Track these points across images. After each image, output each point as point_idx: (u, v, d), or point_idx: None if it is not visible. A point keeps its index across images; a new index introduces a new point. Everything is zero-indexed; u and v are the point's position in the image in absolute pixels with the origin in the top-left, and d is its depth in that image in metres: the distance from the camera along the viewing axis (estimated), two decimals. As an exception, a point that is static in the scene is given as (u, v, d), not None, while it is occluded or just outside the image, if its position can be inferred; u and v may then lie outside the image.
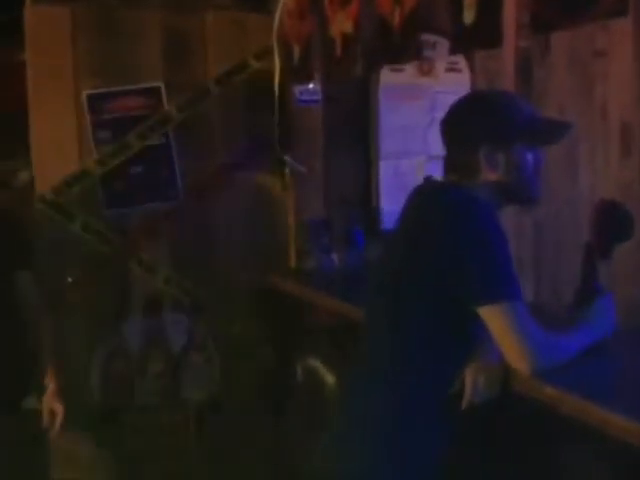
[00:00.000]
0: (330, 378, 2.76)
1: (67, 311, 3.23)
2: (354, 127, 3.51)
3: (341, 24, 2.81)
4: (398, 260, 1.90)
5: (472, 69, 3.57)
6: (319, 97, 3.42)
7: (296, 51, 3.21)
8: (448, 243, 1.79)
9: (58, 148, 3.37)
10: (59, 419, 2.45)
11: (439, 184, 2.06)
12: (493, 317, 1.74)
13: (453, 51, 3.10)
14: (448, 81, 3.55)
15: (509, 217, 3.74)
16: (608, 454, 1.63)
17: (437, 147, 3.60)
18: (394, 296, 1.87)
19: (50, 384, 2.51)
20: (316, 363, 2.78)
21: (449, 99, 3.58)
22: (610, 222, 3.13)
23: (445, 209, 1.88)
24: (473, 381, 1.89)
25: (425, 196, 2.00)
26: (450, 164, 2.10)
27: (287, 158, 3.42)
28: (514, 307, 1.75)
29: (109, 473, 3.22)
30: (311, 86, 3.39)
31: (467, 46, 2.48)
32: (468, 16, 2.13)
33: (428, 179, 2.11)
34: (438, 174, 3.81)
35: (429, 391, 1.84)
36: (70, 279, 3.33)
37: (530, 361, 1.74)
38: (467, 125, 2.08)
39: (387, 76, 3.48)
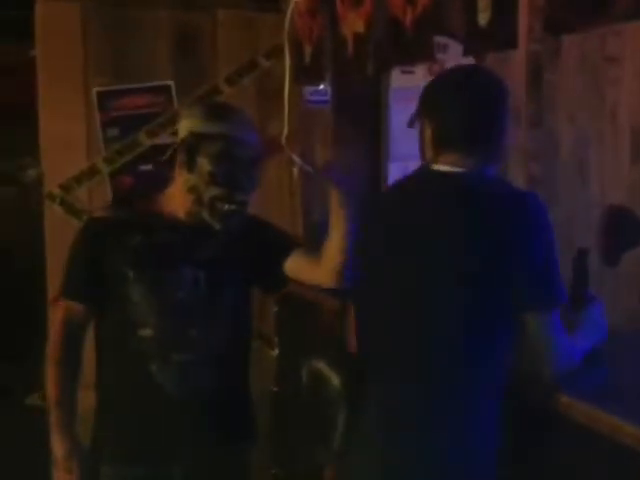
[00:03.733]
0: (335, 380, 2.75)
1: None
2: (364, 128, 3.50)
3: (353, 24, 2.80)
4: (445, 267, 1.74)
5: (483, 72, 3.56)
6: (329, 97, 3.41)
7: (307, 51, 3.20)
8: (522, 248, 1.69)
9: (67, 145, 3.37)
10: None
11: (468, 178, 1.82)
12: (541, 323, 1.70)
13: (467, 52, 3.08)
14: (459, 83, 3.54)
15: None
16: (620, 461, 1.62)
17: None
18: (444, 307, 1.73)
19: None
20: (322, 365, 2.77)
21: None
22: (619, 228, 3.12)
23: (516, 214, 1.72)
24: None
25: (465, 193, 1.78)
26: (466, 139, 1.87)
27: (295, 158, 3.41)
28: (558, 314, 1.73)
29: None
30: (321, 86, 3.38)
31: (482, 47, 2.46)
32: (483, 17, 2.11)
33: (430, 168, 1.90)
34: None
35: (495, 407, 1.77)
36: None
37: (555, 366, 1.73)
38: (499, 104, 1.95)
39: (397, 78, 3.47)
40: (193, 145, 2.08)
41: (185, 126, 2.13)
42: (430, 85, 2.00)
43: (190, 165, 2.09)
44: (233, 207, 2.10)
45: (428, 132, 1.94)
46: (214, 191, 2.08)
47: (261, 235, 2.26)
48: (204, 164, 2.08)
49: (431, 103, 1.95)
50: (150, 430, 2.13)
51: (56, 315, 2.17)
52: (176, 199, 2.15)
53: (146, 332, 2.09)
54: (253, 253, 2.22)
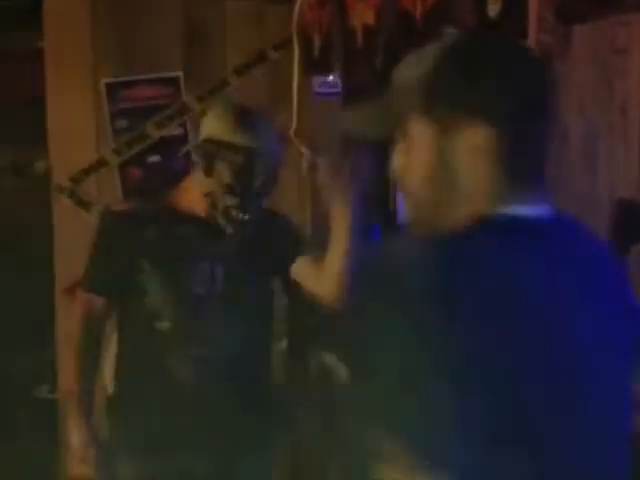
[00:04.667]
0: (344, 373, 2.75)
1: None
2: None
3: (362, 15, 2.78)
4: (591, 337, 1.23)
5: (492, 64, 3.55)
6: (338, 89, 3.40)
7: (316, 42, 3.19)
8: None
9: (76, 137, 3.37)
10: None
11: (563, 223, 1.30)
12: None
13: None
14: (468, 76, 3.52)
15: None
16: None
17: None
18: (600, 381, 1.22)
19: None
20: (331, 358, 2.77)
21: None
22: (627, 222, 3.13)
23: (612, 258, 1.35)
24: None
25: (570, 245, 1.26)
26: (533, 172, 1.20)
27: (304, 150, 3.40)
28: None
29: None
30: (330, 78, 3.37)
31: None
32: (493, 9, 2.10)
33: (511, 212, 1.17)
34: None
35: None
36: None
37: None
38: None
39: (407, 70, 3.45)
40: (214, 152, 2.07)
41: (209, 127, 2.11)
42: (475, 56, 1.15)
43: (208, 171, 2.08)
44: (247, 216, 2.10)
45: (478, 141, 1.12)
46: (230, 201, 2.08)
47: (275, 232, 2.25)
48: (223, 174, 2.07)
49: (489, 92, 1.12)
50: (166, 422, 2.13)
51: (77, 308, 2.20)
52: (192, 195, 2.15)
53: (163, 325, 2.10)
54: (270, 249, 2.22)
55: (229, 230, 2.12)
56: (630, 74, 3.55)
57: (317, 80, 3.38)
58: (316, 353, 2.72)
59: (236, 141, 2.06)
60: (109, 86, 3.38)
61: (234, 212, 2.09)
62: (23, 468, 3.45)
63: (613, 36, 3.55)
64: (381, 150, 3.58)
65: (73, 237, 3.33)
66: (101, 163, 3.39)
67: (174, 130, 3.43)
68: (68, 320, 3.25)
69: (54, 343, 3.38)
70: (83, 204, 3.37)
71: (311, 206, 3.43)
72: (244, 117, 2.13)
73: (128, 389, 2.20)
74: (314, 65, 3.26)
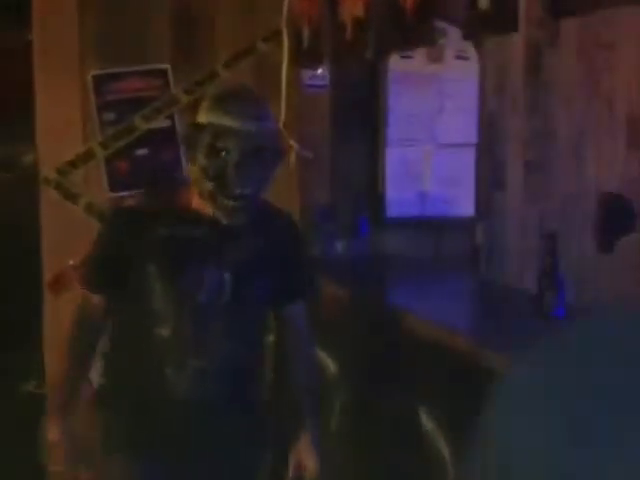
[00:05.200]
0: (332, 366, 2.75)
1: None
2: (361, 113, 3.49)
3: (352, 8, 2.78)
4: None
5: (481, 57, 3.56)
6: (327, 82, 3.40)
7: (305, 35, 3.19)
8: None
9: (63, 129, 3.35)
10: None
11: None
12: None
13: (467, 37, 3.07)
14: (457, 69, 3.53)
15: (515, 207, 3.75)
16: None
17: (444, 136, 3.61)
18: None
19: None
20: (318, 351, 2.77)
21: (457, 87, 3.59)
22: (614, 216, 3.13)
23: None
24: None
25: None
26: None
27: (293, 143, 3.40)
28: None
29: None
30: (319, 71, 3.37)
31: (482, 32, 2.46)
32: (484, 2, 2.11)
33: None
34: (446, 164, 3.79)
35: None
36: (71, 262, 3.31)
37: None
38: None
39: (396, 63, 3.46)
40: (191, 136, 2.02)
41: (202, 112, 2.04)
42: None
43: (191, 157, 2.03)
44: (231, 202, 1.98)
45: None
46: (209, 185, 1.98)
47: (285, 253, 2.15)
48: (199, 157, 1.99)
49: None
50: (159, 429, 2.07)
51: (75, 303, 2.14)
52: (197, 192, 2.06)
53: (163, 331, 2.01)
54: (277, 263, 2.13)
55: (223, 220, 2.01)
56: (617, 69, 3.56)
57: (306, 73, 3.38)
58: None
59: (204, 120, 1.99)
60: (97, 78, 3.36)
61: (219, 198, 1.99)
62: (8, 463, 3.44)
63: (600, 31, 3.56)
64: (368, 142, 3.56)
65: (61, 230, 3.32)
66: (88, 155, 3.37)
67: (162, 123, 3.42)
68: (55, 314, 3.26)
69: (42, 338, 3.37)
70: (70, 196, 3.36)
71: (299, 200, 3.43)
72: (221, 97, 2.05)
73: (119, 393, 2.13)
74: (303, 58, 3.26)
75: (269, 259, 2.10)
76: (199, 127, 1.99)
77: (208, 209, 2.01)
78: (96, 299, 2.08)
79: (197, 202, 2.04)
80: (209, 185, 1.98)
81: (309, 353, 2.25)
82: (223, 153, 1.96)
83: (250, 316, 2.08)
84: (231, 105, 1.99)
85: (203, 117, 2.00)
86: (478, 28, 2.35)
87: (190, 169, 2.06)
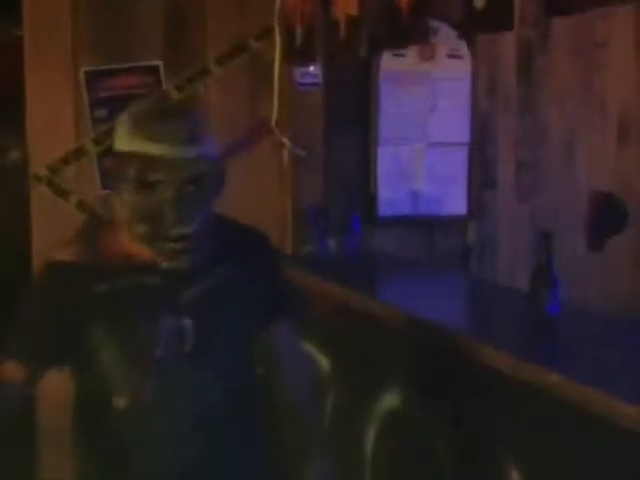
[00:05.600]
0: (324, 363, 2.75)
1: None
2: (354, 112, 3.49)
3: (345, 5, 2.79)
4: None
5: (474, 56, 3.56)
6: (320, 80, 3.39)
7: (298, 32, 3.19)
8: None
9: (54, 126, 3.33)
10: None
11: None
12: None
13: (462, 35, 3.07)
14: (449, 67, 3.53)
15: (507, 206, 3.76)
16: (612, 441, 1.63)
17: (437, 135, 3.61)
18: None
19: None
20: (310, 348, 2.77)
21: (449, 86, 3.59)
22: (605, 214, 3.15)
23: None
24: None
25: None
26: None
27: (286, 141, 3.39)
28: None
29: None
30: (312, 69, 3.37)
31: (477, 30, 2.46)
32: (479, 1, 2.11)
33: None
34: (438, 163, 3.79)
35: None
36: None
37: None
38: None
39: (388, 61, 3.46)
40: (112, 169, 1.70)
41: (117, 138, 1.73)
42: None
43: (116, 194, 1.70)
44: (171, 245, 1.67)
45: None
46: (141, 228, 1.67)
47: (257, 275, 1.82)
48: (125, 194, 1.67)
49: None
50: None
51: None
52: (131, 235, 1.73)
53: (119, 401, 1.69)
54: (246, 292, 1.81)
55: (164, 265, 1.70)
56: (609, 68, 3.56)
57: (299, 71, 3.38)
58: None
59: (128, 148, 1.67)
60: (88, 75, 3.34)
61: (155, 242, 1.67)
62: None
63: (593, 30, 3.57)
64: (360, 140, 3.56)
65: (51, 227, 3.31)
66: (80, 152, 3.36)
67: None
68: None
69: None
70: (62, 193, 3.34)
71: (292, 198, 3.43)
72: (146, 117, 1.71)
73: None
74: (296, 55, 3.26)
75: (236, 289, 1.78)
76: (120, 157, 1.67)
77: (146, 253, 1.71)
78: (22, 370, 1.72)
79: (131, 245, 1.72)
80: (141, 227, 1.67)
81: (307, 381, 1.95)
82: (156, 187, 1.64)
83: (225, 359, 1.75)
84: (158, 127, 1.65)
85: (124, 144, 1.68)
86: (473, 26, 2.35)
87: (115, 208, 1.71)
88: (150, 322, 1.69)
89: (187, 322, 1.70)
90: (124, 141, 1.68)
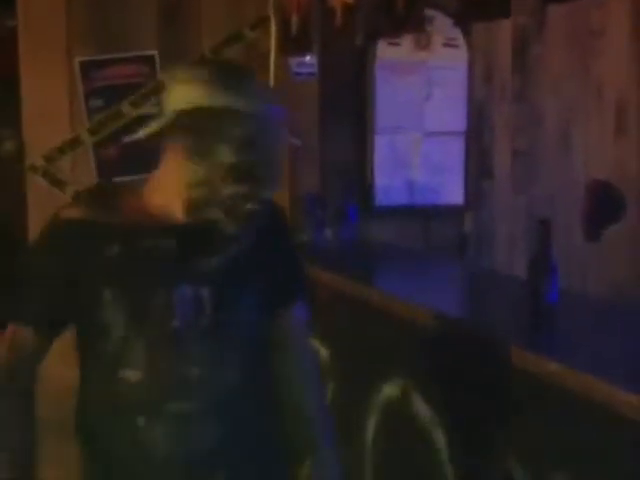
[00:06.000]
0: (323, 352, 2.75)
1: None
2: (350, 101, 3.48)
3: (341, -6, 2.78)
4: None
5: (469, 44, 3.56)
6: (315, 69, 3.38)
7: (294, 22, 3.18)
8: None
9: (49, 116, 3.32)
10: None
11: None
12: None
13: (458, 23, 3.07)
14: (445, 56, 3.53)
15: (503, 196, 3.76)
16: (614, 429, 1.63)
17: (433, 124, 3.61)
18: None
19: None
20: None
21: (446, 74, 3.59)
22: (602, 203, 3.14)
23: None
24: None
25: None
26: None
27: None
28: None
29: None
30: (307, 58, 3.36)
31: (474, 18, 2.46)
32: (476, -13, 2.11)
33: None
34: (434, 152, 3.78)
35: None
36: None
37: None
38: None
39: (384, 50, 3.46)
40: (203, 125, 1.56)
41: (184, 94, 1.58)
42: None
43: (198, 151, 1.57)
44: (256, 206, 1.59)
45: None
46: (234, 188, 1.56)
47: (273, 249, 1.73)
48: (221, 153, 1.55)
49: None
50: None
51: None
52: (168, 190, 1.62)
53: (130, 374, 1.58)
54: (267, 264, 1.70)
55: (231, 229, 1.60)
56: (606, 56, 3.55)
57: (295, 60, 3.37)
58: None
59: (234, 106, 1.56)
60: (84, 64, 3.33)
61: (240, 202, 1.57)
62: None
63: (589, 18, 3.56)
64: (356, 130, 3.54)
65: (48, 217, 3.30)
66: (76, 142, 3.35)
67: (150, 109, 3.39)
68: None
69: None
70: (58, 183, 3.33)
71: (288, 187, 3.42)
72: (232, 75, 1.62)
73: (91, 450, 1.69)
74: (292, 45, 3.25)
75: (255, 261, 1.67)
76: (220, 113, 1.55)
77: (191, 212, 1.60)
78: (29, 333, 1.62)
79: (160, 204, 1.63)
80: (235, 188, 1.57)
81: (317, 373, 1.86)
82: (258, 147, 1.57)
83: (241, 336, 1.64)
84: (258, 88, 1.62)
85: (222, 100, 1.56)
86: (469, 15, 2.35)
87: (186, 166, 1.58)
88: (165, 291, 1.59)
89: (204, 292, 1.60)
90: (212, 96, 1.56)
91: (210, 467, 1.62)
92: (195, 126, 1.57)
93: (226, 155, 1.56)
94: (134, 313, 1.58)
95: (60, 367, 1.80)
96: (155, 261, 1.60)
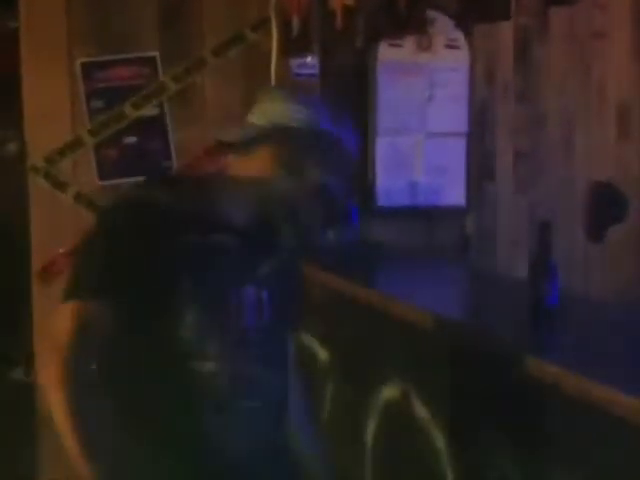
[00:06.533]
0: (323, 354, 2.75)
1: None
2: (351, 102, 3.48)
3: (342, -5, 2.78)
4: None
5: (471, 46, 3.55)
6: (316, 71, 3.38)
7: (295, 22, 3.18)
8: None
9: (51, 118, 3.33)
10: None
11: None
12: None
13: (459, 25, 3.06)
14: (447, 58, 3.52)
15: (506, 197, 3.75)
16: (614, 431, 1.62)
17: (435, 125, 3.60)
18: None
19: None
20: (309, 339, 2.77)
21: (447, 76, 3.58)
22: (604, 204, 3.14)
23: None
24: None
25: None
26: None
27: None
28: None
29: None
30: (309, 59, 3.36)
31: (475, 20, 2.45)
32: (477, -11, 2.11)
33: None
34: (436, 153, 3.79)
35: None
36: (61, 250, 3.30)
37: None
38: None
39: (385, 51, 3.45)
40: (299, 142, 1.63)
41: (281, 113, 1.65)
42: None
43: (287, 165, 1.62)
44: (321, 227, 1.72)
45: None
46: (314, 206, 1.65)
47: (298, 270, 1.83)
48: (311, 171, 1.63)
49: None
50: None
51: (60, 324, 1.55)
52: (234, 191, 1.65)
53: (204, 366, 1.58)
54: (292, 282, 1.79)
55: (289, 242, 1.67)
56: (608, 57, 3.55)
57: (296, 61, 3.37)
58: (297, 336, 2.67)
59: (332, 131, 1.65)
60: (85, 66, 3.34)
61: (313, 220, 1.67)
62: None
63: (591, 19, 3.56)
64: (358, 131, 3.54)
65: (50, 218, 3.31)
66: (77, 144, 3.36)
67: (151, 110, 3.40)
68: (45, 302, 3.24)
69: (31, 326, 3.36)
70: (59, 185, 3.34)
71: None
72: (328, 104, 1.79)
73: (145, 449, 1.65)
74: (293, 46, 3.25)
75: (289, 278, 1.76)
76: (321, 136, 1.65)
77: (259, 218, 1.65)
78: (97, 309, 1.56)
79: (226, 201, 1.67)
80: (317, 206, 1.65)
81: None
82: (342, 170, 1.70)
83: (282, 343, 1.74)
84: (334, 116, 1.72)
85: (322, 123, 1.66)
86: (470, 16, 2.35)
87: (271, 174, 1.65)
88: (236, 288, 1.63)
89: (264, 294, 1.65)
90: (312, 119, 1.66)
91: (260, 463, 1.65)
92: (292, 143, 1.64)
93: (315, 176, 1.63)
94: (211, 305, 1.60)
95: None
96: (226, 257, 1.62)
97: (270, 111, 1.67)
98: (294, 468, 1.77)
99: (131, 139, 3.38)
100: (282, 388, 1.71)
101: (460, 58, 3.54)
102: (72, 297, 1.57)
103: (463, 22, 2.72)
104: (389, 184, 3.50)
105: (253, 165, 1.65)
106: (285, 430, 1.75)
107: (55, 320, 1.57)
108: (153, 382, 1.62)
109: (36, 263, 3.31)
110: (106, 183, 3.33)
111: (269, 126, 1.65)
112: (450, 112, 3.56)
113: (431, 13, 3.35)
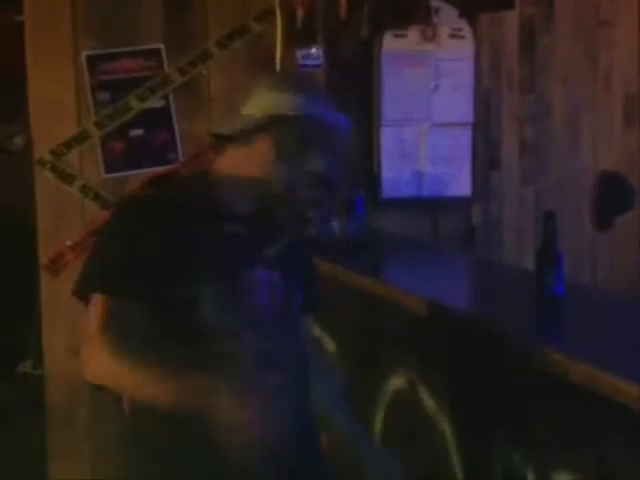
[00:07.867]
0: (331, 346, 2.76)
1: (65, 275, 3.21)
2: (356, 93, 3.48)
3: (346, -14, 2.78)
4: None
5: (476, 35, 3.54)
6: (321, 62, 3.38)
7: (299, 13, 3.17)
8: None
9: (57, 110, 3.33)
10: None
11: None
12: None
13: (464, 14, 3.05)
14: (451, 48, 3.51)
15: (511, 186, 3.75)
16: (617, 421, 1.63)
17: (440, 115, 3.60)
18: None
19: None
20: (317, 331, 2.78)
21: (452, 66, 3.58)
22: (611, 193, 3.14)
23: None
24: None
25: None
26: None
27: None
28: None
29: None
30: (313, 50, 3.35)
31: (479, 9, 2.44)
32: (482, -21, 2.10)
33: None
34: (442, 143, 3.78)
35: None
36: (69, 242, 3.31)
37: None
38: None
39: (390, 42, 3.44)
40: (297, 131, 1.65)
41: (276, 103, 1.68)
42: None
43: (286, 154, 1.65)
44: (322, 213, 1.72)
45: None
46: (315, 193, 1.68)
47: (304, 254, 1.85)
48: (311, 158, 1.65)
49: None
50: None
51: (93, 316, 1.60)
52: (237, 184, 1.69)
53: (226, 347, 1.62)
54: (303, 269, 1.82)
55: (292, 227, 1.71)
56: (615, 46, 3.53)
57: (300, 52, 3.36)
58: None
59: (327, 118, 1.68)
60: (90, 58, 3.34)
61: (314, 208, 1.70)
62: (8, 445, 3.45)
63: (597, 8, 3.54)
64: (363, 122, 3.53)
65: (57, 211, 3.31)
66: (83, 136, 3.36)
67: (156, 102, 3.40)
68: (52, 295, 3.26)
69: (39, 319, 3.37)
70: (66, 178, 3.34)
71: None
72: (314, 91, 1.79)
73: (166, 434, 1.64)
74: (297, 37, 3.25)
75: (297, 260, 1.79)
76: (315, 122, 1.67)
77: (259, 205, 1.68)
78: (123, 302, 1.60)
79: (228, 192, 1.71)
80: (315, 193, 1.68)
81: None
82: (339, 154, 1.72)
83: (298, 322, 1.78)
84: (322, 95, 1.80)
85: (313, 109, 1.68)
86: (475, 6, 2.34)
87: (269, 165, 1.67)
88: (250, 270, 1.68)
89: (275, 275, 1.71)
90: (308, 107, 1.68)
91: (288, 441, 1.61)
92: (290, 131, 1.66)
93: (312, 161, 1.66)
94: (229, 288, 1.65)
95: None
96: (237, 242, 1.68)
97: (263, 102, 1.70)
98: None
99: (137, 131, 3.38)
100: (302, 366, 1.74)
101: (465, 48, 3.53)
102: (97, 290, 1.62)
103: (468, 12, 2.71)
104: (395, 175, 3.50)
105: (253, 156, 1.69)
106: (312, 407, 1.77)
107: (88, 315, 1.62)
108: (173, 366, 1.60)
109: (43, 256, 3.32)
110: (112, 175, 3.33)
111: (265, 117, 1.68)
112: (455, 102, 3.56)
113: (435, 3, 3.34)
